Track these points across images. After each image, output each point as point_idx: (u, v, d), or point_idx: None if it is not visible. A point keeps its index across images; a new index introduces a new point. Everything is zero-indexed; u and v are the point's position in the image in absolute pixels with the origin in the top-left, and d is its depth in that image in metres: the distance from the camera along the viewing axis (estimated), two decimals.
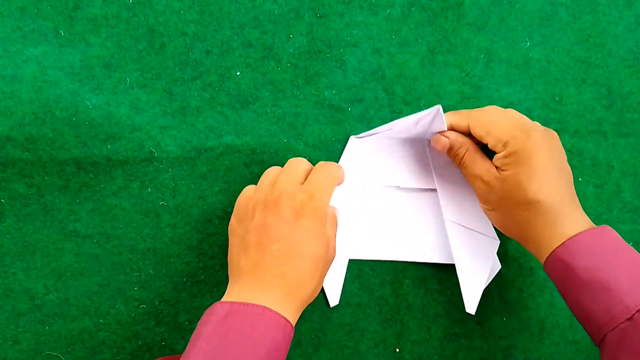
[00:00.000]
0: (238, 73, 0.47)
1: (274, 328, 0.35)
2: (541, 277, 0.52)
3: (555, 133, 0.43)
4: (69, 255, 0.47)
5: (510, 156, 0.40)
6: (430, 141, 0.48)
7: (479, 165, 0.42)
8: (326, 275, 0.43)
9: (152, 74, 0.46)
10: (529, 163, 0.39)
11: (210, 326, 0.35)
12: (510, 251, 0.51)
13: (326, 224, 0.40)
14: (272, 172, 0.42)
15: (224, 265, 0.49)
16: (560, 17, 0.50)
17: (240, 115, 0.48)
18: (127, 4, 0.45)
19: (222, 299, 0.38)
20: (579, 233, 0.38)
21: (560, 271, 0.38)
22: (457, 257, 0.48)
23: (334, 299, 0.49)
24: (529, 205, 0.39)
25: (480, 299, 0.49)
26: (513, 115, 0.42)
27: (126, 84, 0.46)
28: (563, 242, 0.38)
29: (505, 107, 0.50)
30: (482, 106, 0.50)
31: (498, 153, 0.41)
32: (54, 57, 0.45)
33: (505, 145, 0.40)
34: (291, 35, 0.48)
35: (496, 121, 0.41)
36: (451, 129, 0.44)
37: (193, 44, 0.46)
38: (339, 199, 0.48)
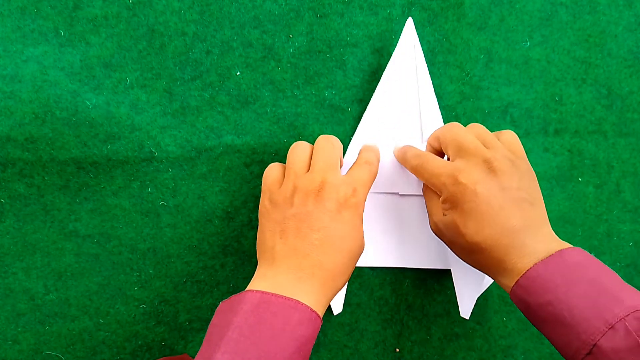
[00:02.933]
0: (238, 73, 0.47)
1: (306, 322, 0.35)
2: None
3: (518, 155, 0.40)
4: (69, 255, 0.47)
5: (445, 202, 0.40)
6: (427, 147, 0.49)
7: (430, 200, 0.43)
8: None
9: (152, 74, 0.46)
10: (460, 209, 0.38)
11: (241, 316, 0.34)
12: None
13: (361, 217, 0.40)
14: (302, 151, 0.41)
15: (224, 265, 0.49)
16: (560, 17, 0.50)
17: (241, 115, 0.48)
18: (127, 4, 0.45)
19: (252, 283, 0.38)
20: (530, 268, 0.36)
21: (523, 309, 0.38)
22: (454, 262, 0.48)
23: (337, 307, 0.49)
24: (471, 248, 0.39)
25: (481, 299, 0.49)
26: (457, 141, 0.40)
27: (126, 83, 0.46)
28: (516, 282, 0.37)
29: (505, 107, 0.50)
30: (482, 106, 0.50)
31: (442, 194, 0.41)
32: (54, 57, 0.45)
33: (440, 191, 0.40)
34: (291, 35, 0.48)
35: (435, 162, 0.41)
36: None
37: (193, 44, 0.47)
38: None
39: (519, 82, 0.51)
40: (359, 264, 0.49)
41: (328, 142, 0.42)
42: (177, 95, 0.47)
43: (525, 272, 0.36)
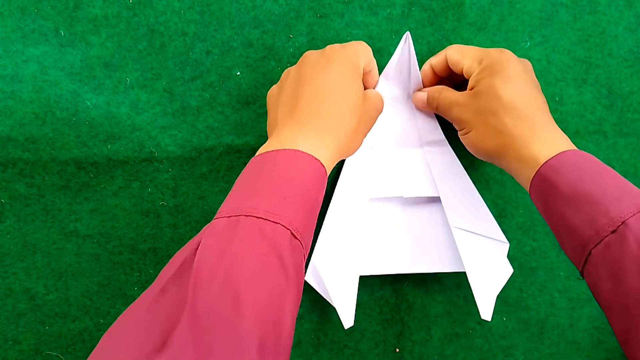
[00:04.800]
0: (238, 73, 0.47)
1: (306, 167, 0.35)
2: (541, 277, 0.52)
3: (529, 62, 0.44)
4: (70, 255, 0.47)
5: (484, 70, 0.41)
6: (426, 147, 0.48)
7: (453, 95, 0.44)
8: (337, 296, 0.43)
9: (153, 74, 0.46)
10: (503, 72, 0.40)
11: (243, 175, 0.36)
12: (510, 251, 0.51)
13: (360, 76, 0.41)
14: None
15: None
16: (560, 17, 0.50)
17: (241, 115, 0.48)
18: (127, 4, 0.45)
19: (261, 149, 0.38)
20: (563, 152, 0.37)
21: (546, 189, 0.37)
22: (468, 264, 0.46)
23: (348, 320, 0.45)
24: (505, 110, 0.39)
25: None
26: (470, 58, 0.43)
27: (126, 84, 0.46)
28: (547, 161, 0.37)
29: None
30: None
31: (474, 73, 0.42)
32: (54, 57, 0.45)
33: (480, 62, 0.42)
34: (291, 35, 0.48)
35: (469, 46, 0.44)
36: (431, 69, 0.46)
37: (193, 44, 0.47)
38: (346, 215, 0.47)
39: None
40: (371, 273, 0.48)
41: (358, 44, 0.42)
42: (177, 96, 0.47)
43: (559, 154, 0.37)
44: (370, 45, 0.48)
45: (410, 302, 0.51)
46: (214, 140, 0.48)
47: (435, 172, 0.48)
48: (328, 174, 0.38)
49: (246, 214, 0.31)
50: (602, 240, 0.34)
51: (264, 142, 0.46)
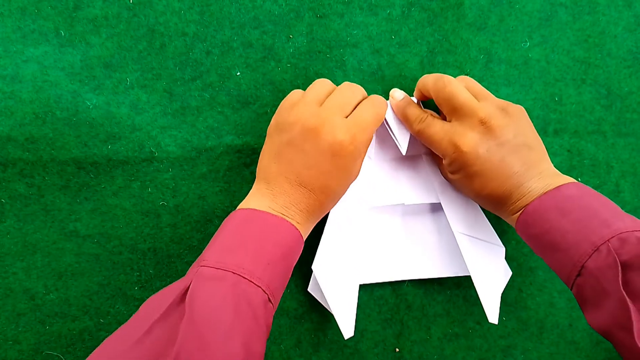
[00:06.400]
0: (238, 73, 0.48)
1: (289, 235, 0.38)
2: (541, 277, 0.52)
3: (520, 110, 0.43)
4: (70, 255, 0.47)
5: (451, 165, 0.43)
6: (426, 156, 0.48)
7: (441, 164, 0.46)
8: (337, 305, 0.45)
9: (153, 74, 0.46)
10: (465, 172, 0.42)
11: (231, 226, 0.38)
12: (509, 251, 0.52)
13: (361, 158, 0.42)
14: (323, 87, 0.42)
15: None
16: (559, 18, 0.50)
17: (241, 116, 0.48)
18: (127, 5, 0.46)
19: (247, 199, 0.40)
20: (527, 205, 0.40)
21: (527, 240, 0.41)
22: (473, 268, 0.46)
23: (348, 331, 0.45)
24: (479, 199, 0.43)
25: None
26: (450, 103, 0.42)
27: (126, 84, 0.46)
28: (517, 219, 0.41)
29: None
30: None
31: (444, 161, 0.44)
32: (54, 57, 0.45)
33: (444, 156, 0.43)
34: (291, 36, 0.48)
35: (434, 135, 0.43)
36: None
37: (193, 44, 0.47)
38: (346, 224, 0.47)
39: (518, 83, 0.51)
40: (371, 281, 0.49)
41: (349, 88, 0.42)
42: (177, 96, 0.47)
43: (524, 209, 0.40)
44: (370, 46, 0.49)
45: (410, 302, 0.51)
46: (214, 140, 0.48)
47: (436, 179, 0.48)
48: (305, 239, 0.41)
49: (233, 271, 0.34)
50: (573, 283, 0.37)
51: (264, 142, 0.47)
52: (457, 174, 0.43)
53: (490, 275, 0.46)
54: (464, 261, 0.48)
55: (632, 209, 0.53)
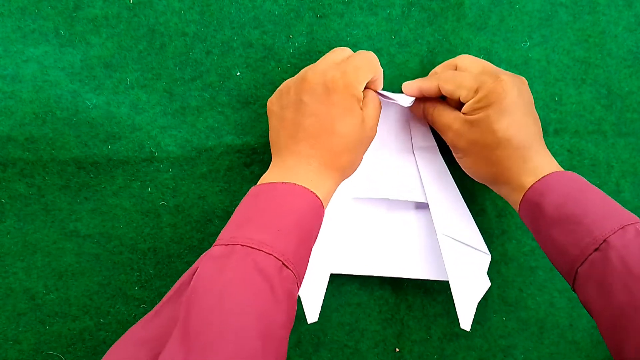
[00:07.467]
0: (238, 73, 0.48)
1: (301, 201, 0.38)
2: (541, 277, 0.52)
3: (524, 79, 0.43)
4: (70, 255, 0.47)
5: (481, 100, 0.41)
6: (417, 152, 0.48)
7: (447, 116, 0.43)
8: (305, 289, 0.44)
9: (153, 74, 0.46)
10: (499, 104, 0.40)
11: (242, 204, 0.38)
12: (510, 251, 0.51)
13: (359, 102, 0.41)
14: (337, 54, 0.43)
15: None
16: (560, 18, 0.50)
17: (241, 115, 0.48)
18: (127, 4, 0.46)
19: (265, 175, 0.40)
20: (547, 175, 0.39)
21: (533, 212, 0.39)
22: (451, 272, 0.46)
23: (312, 315, 0.45)
24: (498, 144, 0.40)
25: (481, 300, 0.49)
26: (480, 63, 0.44)
27: (127, 84, 0.46)
28: (532, 185, 0.39)
29: None
30: None
31: (469, 101, 0.42)
32: (54, 57, 0.45)
33: (476, 91, 0.41)
34: (291, 36, 0.48)
35: (464, 73, 0.43)
36: (422, 95, 0.45)
37: (193, 44, 0.47)
38: (326, 211, 0.46)
39: None
40: (343, 272, 0.48)
41: (339, 49, 0.43)
42: (177, 96, 0.47)
43: (544, 177, 0.39)
44: (370, 46, 0.49)
45: (410, 301, 0.51)
46: (214, 140, 0.48)
47: (425, 177, 0.48)
48: (327, 203, 0.40)
49: (241, 244, 0.34)
50: (586, 259, 0.36)
51: (264, 142, 0.47)
52: (484, 110, 0.40)
53: (468, 282, 0.46)
54: (444, 265, 0.47)
55: (632, 209, 0.53)
